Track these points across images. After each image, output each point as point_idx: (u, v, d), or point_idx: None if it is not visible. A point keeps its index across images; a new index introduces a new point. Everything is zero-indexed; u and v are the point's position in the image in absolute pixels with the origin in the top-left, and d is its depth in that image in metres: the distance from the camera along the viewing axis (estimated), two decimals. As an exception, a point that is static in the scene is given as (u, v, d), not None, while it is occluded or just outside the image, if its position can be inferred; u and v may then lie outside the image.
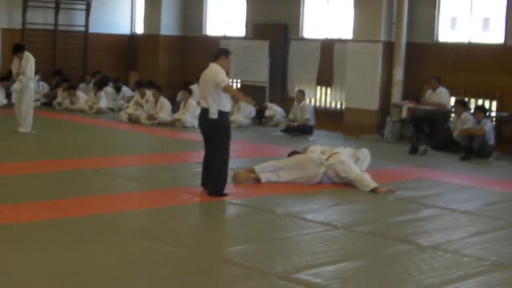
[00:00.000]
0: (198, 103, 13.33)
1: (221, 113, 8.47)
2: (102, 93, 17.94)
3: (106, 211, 7.66)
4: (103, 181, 9.30)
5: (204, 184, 8.74)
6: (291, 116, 15.68)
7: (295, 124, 15.23)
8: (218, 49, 9.32)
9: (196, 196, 8.62)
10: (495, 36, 14.71)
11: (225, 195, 8.54)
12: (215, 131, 8.54)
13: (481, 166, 11.97)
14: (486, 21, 17.98)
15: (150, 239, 6.56)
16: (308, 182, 9.49)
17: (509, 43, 13.86)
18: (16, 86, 13.36)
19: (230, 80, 17.65)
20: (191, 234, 7.10)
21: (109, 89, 18.71)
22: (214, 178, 8.57)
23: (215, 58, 8.68)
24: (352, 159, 9.73)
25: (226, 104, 8.56)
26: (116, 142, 13.64)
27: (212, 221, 7.81)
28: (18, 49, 13.43)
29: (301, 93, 15.69)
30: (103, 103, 17.78)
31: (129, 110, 16.46)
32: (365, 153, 9.97)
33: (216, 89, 8.44)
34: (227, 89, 8.47)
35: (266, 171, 9.52)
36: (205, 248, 6.49)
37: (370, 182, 9.31)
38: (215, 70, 8.54)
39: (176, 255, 6.21)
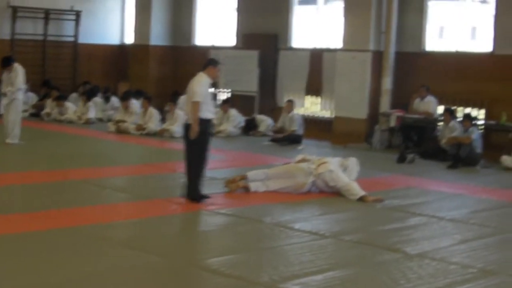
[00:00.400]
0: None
1: (199, 120, 8.57)
2: (91, 103, 17.87)
3: (95, 222, 7.64)
4: (92, 192, 9.29)
5: (185, 193, 8.84)
6: (279, 124, 15.69)
7: (281, 135, 15.21)
8: (207, 59, 9.49)
9: (184, 206, 8.62)
10: (483, 45, 14.80)
11: (205, 196, 8.69)
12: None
13: (468, 174, 12.03)
14: (474, 30, 18.08)
15: (138, 250, 6.56)
16: (296, 191, 9.51)
17: (497, 52, 13.95)
18: (4, 102, 13.34)
19: (220, 90, 17.84)
20: (178, 245, 7.11)
21: (98, 99, 18.65)
22: (190, 181, 8.73)
23: (203, 68, 8.91)
24: (341, 169, 9.76)
25: (206, 112, 8.69)
26: (104, 152, 13.62)
27: (200, 231, 7.83)
28: (6, 63, 13.20)
29: (291, 103, 15.71)
30: (92, 113, 17.72)
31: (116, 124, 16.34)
32: (353, 162, 9.99)
33: None
34: (192, 106, 8.60)
35: (257, 180, 9.56)
36: (193, 259, 6.49)
37: (358, 190, 9.34)
38: (196, 81, 8.78)
39: (164, 265, 6.20)
